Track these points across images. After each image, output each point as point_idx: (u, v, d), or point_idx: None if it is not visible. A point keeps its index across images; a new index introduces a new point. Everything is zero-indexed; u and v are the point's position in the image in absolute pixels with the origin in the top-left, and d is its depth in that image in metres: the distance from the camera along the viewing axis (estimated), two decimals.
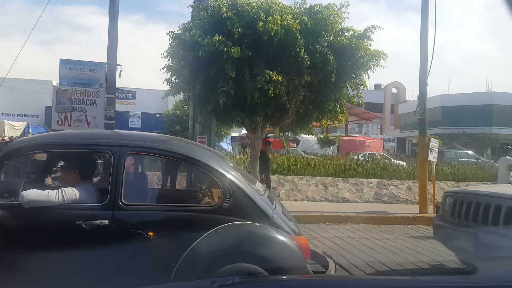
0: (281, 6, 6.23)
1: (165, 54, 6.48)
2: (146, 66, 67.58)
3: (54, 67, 6.92)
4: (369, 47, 6.43)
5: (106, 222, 2.36)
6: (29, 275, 2.31)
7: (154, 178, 3.15)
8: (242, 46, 5.88)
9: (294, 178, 9.25)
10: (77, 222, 2.35)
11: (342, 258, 4.52)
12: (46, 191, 2.44)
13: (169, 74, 6.68)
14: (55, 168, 3.45)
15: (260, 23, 5.80)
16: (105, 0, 6.22)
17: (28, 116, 28.91)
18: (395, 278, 2.43)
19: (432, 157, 7.73)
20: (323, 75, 6.35)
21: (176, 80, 6.79)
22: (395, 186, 9.50)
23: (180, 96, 7.43)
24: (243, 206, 2.55)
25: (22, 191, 2.41)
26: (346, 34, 6.58)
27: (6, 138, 15.98)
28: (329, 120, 7.20)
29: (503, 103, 31.42)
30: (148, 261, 2.42)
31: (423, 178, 7.60)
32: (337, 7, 6.46)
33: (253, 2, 6.35)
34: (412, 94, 47.30)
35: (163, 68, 6.65)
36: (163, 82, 6.81)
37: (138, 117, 32.54)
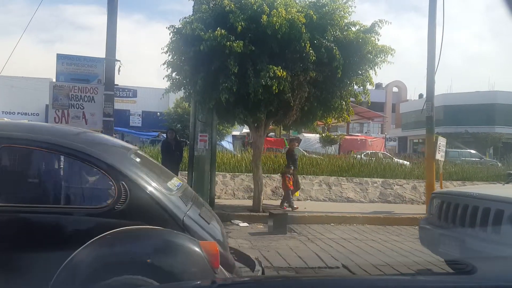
0: None
1: (165, 49, 6.27)
2: (147, 66, 67.44)
3: (55, 66, 6.70)
4: (377, 42, 6.22)
5: None
6: None
7: (32, 173, 2.60)
8: (245, 40, 5.67)
9: (297, 177, 9.03)
10: None
11: (349, 261, 4.33)
12: None
13: (169, 70, 6.48)
14: None
15: (264, 17, 5.59)
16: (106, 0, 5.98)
17: (28, 115, 28.80)
18: (395, 278, 2.32)
19: (440, 156, 7.53)
20: (329, 71, 6.15)
21: (177, 76, 6.58)
22: (400, 185, 9.30)
23: (181, 93, 7.22)
24: (143, 208, 2.23)
25: None
26: (353, 28, 6.37)
27: None
28: (334, 118, 6.98)
29: (505, 102, 31.18)
30: (16, 274, 2.04)
31: (430, 177, 7.39)
32: (344, 1, 6.25)
33: None
34: (413, 93, 47.09)
35: (163, 64, 6.45)
36: (163, 78, 6.62)
37: (139, 115, 32.38)
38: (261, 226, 6.18)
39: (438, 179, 7.79)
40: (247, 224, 6.22)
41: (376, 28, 6.35)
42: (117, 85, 6.65)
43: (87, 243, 2.03)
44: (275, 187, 8.80)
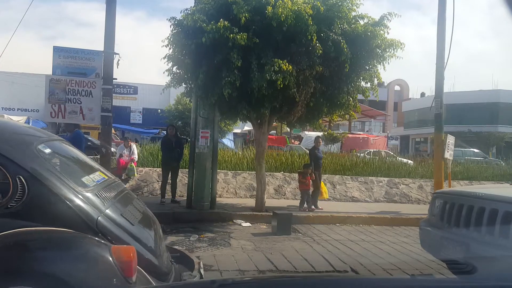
0: None
1: (166, 42, 6.03)
2: (148, 63, 67.22)
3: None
4: (386, 36, 5.97)
5: None
6: None
7: None
8: (249, 32, 5.44)
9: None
10: None
11: (358, 265, 4.11)
12: None
13: (170, 64, 6.24)
14: None
15: (269, 8, 5.35)
16: None
17: (28, 111, 28.66)
18: (395, 278, 2.27)
19: (449, 154, 7.29)
20: (336, 65, 5.91)
21: (178, 71, 6.35)
22: (406, 185, 9.07)
23: (182, 89, 6.99)
24: (45, 207, 1.95)
25: None
26: (361, 22, 6.12)
27: None
28: (340, 115, 6.74)
29: (509, 101, 30.88)
30: None
31: (439, 176, 7.16)
32: None
33: None
34: (416, 92, 46.75)
35: (163, 57, 6.21)
36: (164, 73, 6.38)
37: (140, 112, 32.18)
38: (264, 226, 5.96)
39: (445, 179, 7.57)
40: (250, 224, 6.01)
41: (385, 21, 6.10)
42: (116, 79, 6.41)
43: None
44: (278, 185, 8.59)
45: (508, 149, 28.06)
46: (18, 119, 20.98)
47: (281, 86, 5.43)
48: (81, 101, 6.22)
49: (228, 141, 22.79)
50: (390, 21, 6.09)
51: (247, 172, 8.88)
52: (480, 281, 1.40)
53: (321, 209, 6.90)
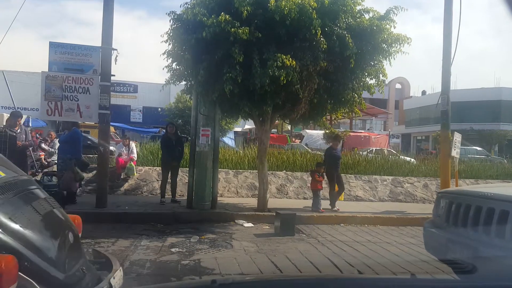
0: None
1: (165, 38, 5.85)
2: (149, 62, 67.07)
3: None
4: (392, 30, 5.79)
5: None
6: None
7: None
8: (251, 26, 5.26)
9: (303, 174, 8.65)
10: None
11: (366, 268, 3.94)
12: None
13: (169, 60, 6.06)
14: None
15: (272, 1, 5.18)
16: None
17: (28, 110, 28.51)
18: (395, 278, 2.27)
19: (455, 152, 7.12)
20: (340, 61, 5.73)
21: (177, 67, 6.17)
22: (411, 183, 8.90)
23: (182, 86, 6.81)
24: None
25: None
26: (366, 16, 5.94)
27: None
28: (344, 112, 6.55)
29: (511, 99, 30.64)
30: None
31: (445, 175, 6.98)
32: None
33: None
34: (417, 90, 46.52)
35: (163, 54, 6.04)
36: (163, 69, 6.20)
37: (140, 111, 32.04)
38: (267, 227, 5.79)
39: (451, 177, 7.39)
40: (252, 225, 5.84)
41: (391, 15, 5.91)
42: (114, 75, 6.23)
43: None
44: (280, 184, 8.42)
45: (510, 147, 27.83)
46: None
47: (284, 82, 5.25)
48: (78, 98, 6.05)
49: (229, 139, 22.64)
50: (396, 15, 5.90)
51: (249, 171, 8.71)
52: (480, 281, 1.37)
53: (338, 209, 6.68)
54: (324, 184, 7.10)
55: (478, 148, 22.97)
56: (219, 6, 5.38)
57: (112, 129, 22.85)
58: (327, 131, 20.84)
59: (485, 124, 30.09)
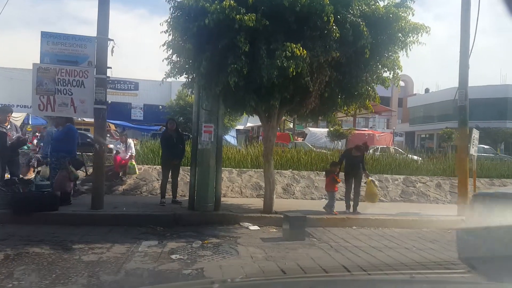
0: None
1: (165, 27, 5.44)
2: (150, 60, 66.70)
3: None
4: (410, 18, 5.36)
5: None
6: None
7: None
8: (257, 13, 4.85)
9: (310, 173, 8.26)
10: None
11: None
12: None
13: (169, 52, 5.65)
14: None
15: None
16: None
17: (27, 107, 28.18)
18: (395, 278, 2.26)
19: (473, 150, 6.70)
20: (353, 51, 5.31)
21: (178, 58, 5.76)
22: (423, 183, 8.49)
23: (183, 82, 6.40)
24: None
25: None
26: (380, 3, 5.52)
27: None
28: (356, 107, 6.13)
29: None
30: None
31: (463, 174, 6.56)
32: None
33: None
34: (420, 88, 45.92)
35: (162, 45, 5.62)
36: (163, 61, 5.79)
37: (141, 108, 31.69)
38: (274, 230, 5.40)
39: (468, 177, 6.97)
40: (258, 228, 5.45)
41: (407, 3, 5.49)
42: (110, 67, 5.83)
43: None
44: (286, 184, 8.03)
45: None
46: (18, 116, 20.47)
47: (294, 74, 4.84)
48: (72, 92, 5.66)
49: (230, 137, 22.22)
50: (413, 2, 5.48)
51: (253, 170, 8.32)
52: (480, 281, 1.40)
53: (359, 213, 6.27)
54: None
55: (486, 146, 22.51)
56: None
57: (112, 126, 22.57)
58: (331, 128, 20.43)
59: (491, 122, 29.59)
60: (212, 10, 4.73)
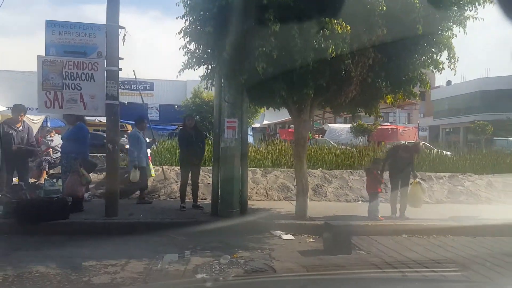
0: None
1: (182, 10, 4.79)
2: (165, 60, 67.08)
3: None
4: None
5: None
6: None
7: None
8: None
9: (343, 172, 7.46)
10: None
11: None
12: None
13: (186, 39, 5.00)
14: None
15: None
16: None
17: (31, 109, 28.64)
18: (395, 278, 2.26)
19: None
20: (401, 28, 4.49)
21: (196, 46, 5.09)
22: (471, 181, 7.53)
23: (199, 82, 5.73)
24: None
25: None
26: None
27: None
28: (404, 95, 5.27)
29: None
30: None
31: None
32: None
33: None
34: (442, 80, 43.99)
35: (179, 32, 4.98)
36: (179, 49, 5.14)
37: (157, 108, 31.55)
38: (312, 240, 4.66)
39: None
40: (292, 237, 4.73)
41: None
42: (122, 58, 5.23)
43: None
44: (316, 185, 7.26)
45: None
46: (36, 119, 20.48)
47: (334, 55, 4.08)
48: (81, 87, 5.10)
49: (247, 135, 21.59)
50: None
51: (278, 169, 7.61)
52: (479, 280, 1.47)
53: (407, 218, 5.47)
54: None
55: None
56: None
57: (129, 127, 22.38)
58: (354, 124, 19.43)
59: None
60: None
